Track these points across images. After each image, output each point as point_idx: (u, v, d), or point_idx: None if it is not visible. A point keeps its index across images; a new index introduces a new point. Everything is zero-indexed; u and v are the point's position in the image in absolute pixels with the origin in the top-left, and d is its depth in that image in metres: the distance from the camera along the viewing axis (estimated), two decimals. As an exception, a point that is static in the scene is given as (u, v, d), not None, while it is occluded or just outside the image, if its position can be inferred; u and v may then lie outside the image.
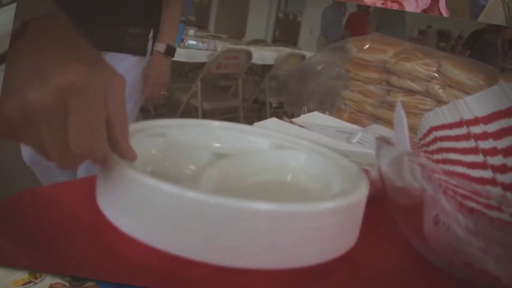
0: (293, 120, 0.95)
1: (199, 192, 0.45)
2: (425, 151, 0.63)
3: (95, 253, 0.52)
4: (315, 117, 1.00)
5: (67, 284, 0.55)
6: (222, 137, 0.64)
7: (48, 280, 0.55)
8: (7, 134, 0.42)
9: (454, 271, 0.56)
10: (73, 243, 0.53)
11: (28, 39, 0.44)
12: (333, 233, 0.49)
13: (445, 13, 1.07)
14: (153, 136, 0.60)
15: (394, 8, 1.06)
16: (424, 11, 1.08)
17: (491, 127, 0.60)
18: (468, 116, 0.62)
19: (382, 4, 1.07)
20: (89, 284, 0.54)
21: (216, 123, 0.65)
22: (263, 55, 3.18)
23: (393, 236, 0.64)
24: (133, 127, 0.60)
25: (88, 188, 0.55)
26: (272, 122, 0.85)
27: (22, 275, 0.55)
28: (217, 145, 0.63)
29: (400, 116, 0.57)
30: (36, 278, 0.56)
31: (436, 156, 0.61)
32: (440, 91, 1.04)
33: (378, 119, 1.11)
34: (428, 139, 0.64)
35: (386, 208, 0.61)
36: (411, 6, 1.06)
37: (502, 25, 1.06)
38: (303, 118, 1.00)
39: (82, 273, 0.53)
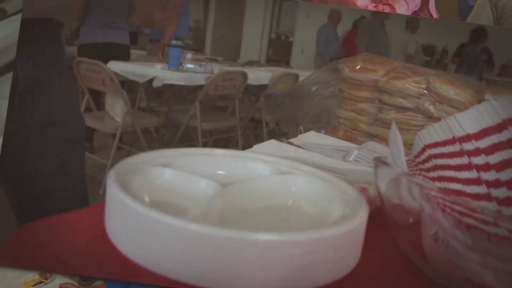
0: (291, 140, 0.95)
1: (202, 225, 0.44)
2: (421, 169, 0.62)
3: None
4: (312, 137, 1.00)
5: (76, 283, 0.55)
6: (225, 165, 0.64)
7: (58, 280, 0.56)
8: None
9: (454, 286, 0.56)
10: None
11: None
12: (336, 256, 0.49)
13: (434, 14, 1.07)
14: (158, 167, 0.59)
15: (385, 10, 1.07)
16: (414, 12, 1.08)
17: (482, 143, 0.60)
18: (459, 133, 0.62)
19: (374, 7, 1.07)
20: (98, 283, 0.55)
21: (219, 151, 0.65)
22: (258, 75, 3.19)
23: (393, 252, 0.63)
24: (137, 158, 0.60)
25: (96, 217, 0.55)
26: (271, 144, 0.85)
27: (32, 276, 0.56)
28: (221, 172, 0.63)
29: (395, 137, 0.57)
30: (46, 279, 0.56)
31: (432, 174, 0.61)
32: (431, 107, 1.04)
33: (372, 136, 1.11)
34: (423, 157, 0.64)
35: (385, 225, 0.60)
36: (402, 8, 1.06)
37: (490, 25, 1.06)
38: (300, 138, 1.00)
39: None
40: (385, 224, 0.60)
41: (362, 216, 0.51)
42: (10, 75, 0.80)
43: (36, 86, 0.80)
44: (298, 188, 0.62)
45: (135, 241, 0.48)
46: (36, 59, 0.85)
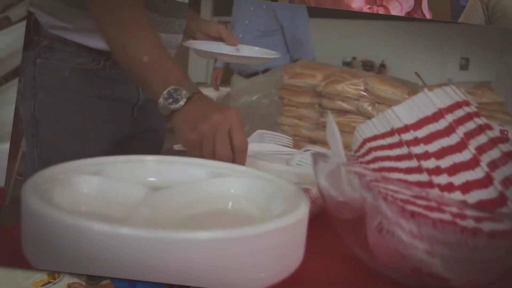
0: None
1: (131, 227, 0.39)
2: (361, 162, 0.59)
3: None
4: (253, 145, 0.95)
5: (84, 283, 0.55)
6: (157, 171, 0.59)
7: (66, 280, 0.56)
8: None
9: (402, 277, 0.52)
10: None
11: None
12: (277, 254, 0.44)
13: (428, 15, 1.06)
14: (85, 175, 0.54)
15: (380, 12, 1.05)
16: (408, 13, 1.07)
17: (420, 133, 0.58)
18: (398, 124, 0.59)
19: (369, 8, 1.06)
20: (105, 282, 0.54)
21: (150, 157, 0.60)
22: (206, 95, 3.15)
23: (338, 252, 0.59)
24: (64, 166, 0.54)
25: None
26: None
27: (41, 276, 0.56)
28: (152, 179, 0.58)
29: (332, 128, 0.53)
30: (54, 279, 0.56)
31: (372, 166, 0.58)
32: (370, 108, 1.03)
33: (314, 141, 1.09)
34: (363, 150, 0.60)
35: (329, 224, 0.57)
36: (395, 9, 1.05)
37: (482, 24, 1.06)
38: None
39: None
40: (329, 226, 0.57)
41: (302, 210, 0.47)
42: (15, 81, 0.80)
43: None
44: (237, 189, 0.57)
45: (60, 255, 0.42)
46: None
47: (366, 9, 1.06)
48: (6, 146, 0.77)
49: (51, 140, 0.84)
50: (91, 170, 0.55)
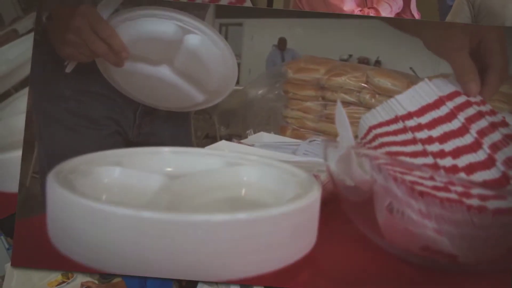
0: (242, 141, 0.90)
1: (153, 211, 0.39)
2: (368, 148, 0.59)
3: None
4: (262, 137, 0.96)
5: (96, 281, 0.56)
6: (174, 161, 0.59)
7: (80, 279, 0.57)
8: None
9: (411, 256, 0.52)
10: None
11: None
12: (291, 235, 0.44)
13: (416, 15, 1.06)
14: (106, 166, 0.54)
15: (371, 14, 1.06)
16: (397, 14, 1.07)
17: (423, 119, 0.58)
18: (401, 112, 0.59)
19: (360, 11, 1.06)
20: (116, 280, 0.55)
21: (167, 149, 0.60)
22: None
23: (350, 235, 0.59)
24: (86, 158, 0.54)
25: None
26: (222, 144, 0.80)
27: (55, 276, 0.57)
28: (169, 169, 0.58)
29: (341, 114, 0.53)
30: (68, 278, 0.57)
31: (379, 151, 0.57)
32: (371, 99, 1.02)
33: (319, 132, 1.08)
34: (369, 137, 0.60)
35: (340, 208, 0.56)
36: (385, 11, 1.05)
37: (469, 23, 1.05)
38: (250, 139, 0.96)
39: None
40: (339, 212, 0.56)
41: (315, 193, 0.47)
42: (25, 91, 0.81)
43: None
44: (250, 177, 0.57)
45: (83, 239, 0.42)
46: None
47: (357, 11, 1.06)
48: (19, 153, 0.77)
49: (52, 136, 0.84)
50: (111, 161, 0.55)
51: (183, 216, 0.40)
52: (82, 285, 0.56)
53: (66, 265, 0.50)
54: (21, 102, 0.82)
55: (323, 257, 0.53)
